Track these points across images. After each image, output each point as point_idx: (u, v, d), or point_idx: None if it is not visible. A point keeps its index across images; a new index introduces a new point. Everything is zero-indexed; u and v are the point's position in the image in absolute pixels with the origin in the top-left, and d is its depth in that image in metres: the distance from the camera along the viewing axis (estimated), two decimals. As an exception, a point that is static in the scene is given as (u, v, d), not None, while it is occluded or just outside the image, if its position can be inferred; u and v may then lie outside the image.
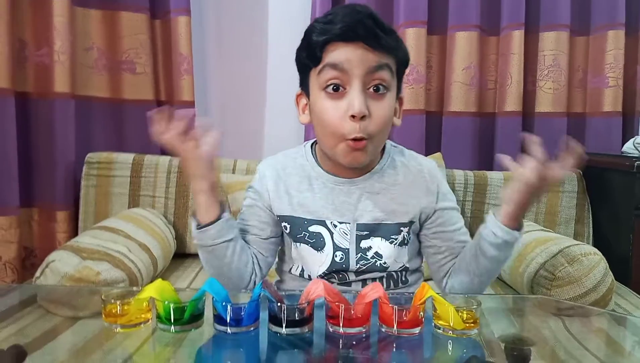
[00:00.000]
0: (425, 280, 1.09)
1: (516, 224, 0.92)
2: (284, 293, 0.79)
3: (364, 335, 0.71)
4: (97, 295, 0.93)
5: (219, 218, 0.94)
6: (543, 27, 1.92)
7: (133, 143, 1.85)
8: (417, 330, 0.71)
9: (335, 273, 1.00)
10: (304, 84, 0.97)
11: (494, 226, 0.92)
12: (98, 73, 1.81)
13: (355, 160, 0.92)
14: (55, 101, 1.68)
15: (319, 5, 1.84)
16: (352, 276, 1.00)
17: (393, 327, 0.70)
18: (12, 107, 1.60)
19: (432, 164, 1.05)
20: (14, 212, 1.63)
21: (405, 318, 0.70)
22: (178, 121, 0.88)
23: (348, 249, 0.98)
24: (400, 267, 1.01)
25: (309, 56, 0.91)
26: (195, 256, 1.67)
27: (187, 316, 0.70)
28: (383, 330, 0.71)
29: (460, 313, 0.71)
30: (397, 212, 0.99)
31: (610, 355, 0.78)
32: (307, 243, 1.00)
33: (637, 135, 1.78)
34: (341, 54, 0.87)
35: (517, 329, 0.84)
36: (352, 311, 0.71)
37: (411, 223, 1.00)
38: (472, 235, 1.68)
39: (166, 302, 0.70)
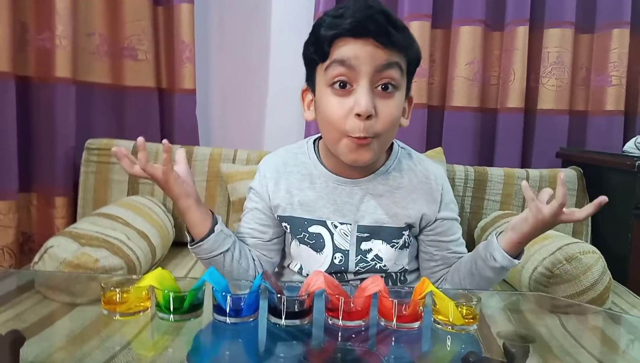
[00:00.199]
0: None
1: (517, 251, 0.92)
2: (284, 284, 0.79)
3: (363, 328, 0.71)
4: (96, 281, 0.93)
5: (211, 231, 0.94)
6: (548, 23, 1.91)
7: (133, 130, 1.85)
8: (416, 325, 0.71)
9: (334, 273, 0.99)
10: (310, 80, 0.94)
11: (495, 250, 0.92)
12: (99, 59, 1.80)
13: (359, 158, 0.89)
14: (56, 85, 1.67)
15: (324, -6, 1.83)
16: (350, 276, 1.00)
17: (392, 321, 0.70)
18: (13, 91, 1.59)
19: (439, 170, 1.03)
20: (12, 197, 1.63)
21: (404, 312, 0.70)
22: (140, 152, 0.87)
23: (348, 251, 0.98)
24: (400, 269, 1.01)
25: (316, 50, 0.88)
26: (193, 245, 1.67)
27: (186, 306, 0.70)
28: (382, 323, 0.71)
29: (459, 309, 0.71)
30: (400, 216, 0.98)
31: (606, 352, 0.78)
32: (306, 244, 0.99)
33: (639, 134, 1.78)
34: (350, 50, 0.84)
35: (514, 326, 0.84)
36: (352, 305, 0.71)
37: (411, 227, 0.99)
38: (471, 232, 1.71)
39: (166, 291, 0.70)
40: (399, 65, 0.87)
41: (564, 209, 0.84)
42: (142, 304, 0.72)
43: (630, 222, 1.56)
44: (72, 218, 1.73)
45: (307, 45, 0.92)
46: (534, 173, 1.78)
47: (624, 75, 1.90)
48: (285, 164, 1.02)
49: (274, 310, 0.70)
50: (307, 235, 0.98)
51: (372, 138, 0.87)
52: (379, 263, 0.98)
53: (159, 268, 0.74)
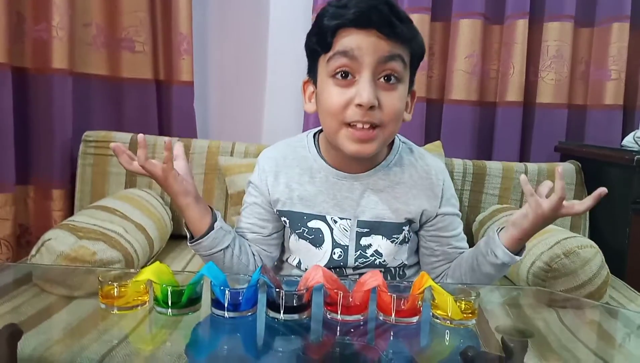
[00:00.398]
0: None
1: (518, 247, 0.92)
2: (282, 278, 0.79)
3: (361, 323, 0.71)
4: (93, 275, 0.93)
5: (211, 228, 0.93)
6: (548, 17, 1.90)
7: (131, 122, 1.84)
8: (414, 319, 0.71)
9: (333, 268, 0.98)
10: (312, 71, 0.93)
11: (496, 247, 0.91)
12: (97, 50, 1.78)
13: (362, 149, 0.88)
14: (53, 77, 1.65)
15: (323, -14, 1.82)
16: (349, 271, 0.99)
17: (391, 316, 0.70)
18: (9, 82, 1.58)
19: (440, 166, 1.02)
20: (9, 189, 1.62)
21: (403, 307, 0.70)
22: (140, 150, 0.86)
23: (347, 246, 0.97)
24: (399, 264, 1.01)
25: (319, 41, 0.87)
26: (191, 238, 1.67)
27: (184, 300, 0.70)
28: (381, 318, 0.71)
29: (458, 304, 0.71)
30: (400, 211, 0.97)
31: (602, 346, 0.79)
32: (305, 239, 0.98)
33: (638, 129, 1.78)
34: (352, 40, 0.84)
35: (512, 320, 0.84)
36: (351, 299, 0.70)
37: (411, 222, 0.99)
38: (469, 226, 1.71)
39: (164, 285, 0.69)
40: (402, 58, 0.86)
41: (564, 202, 0.84)
42: (140, 298, 0.72)
43: (628, 216, 1.56)
44: (70, 211, 1.72)
45: (310, 35, 0.91)
46: (532, 166, 1.78)
47: (623, 69, 1.90)
48: (285, 158, 1.01)
49: (273, 305, 0.70)
50: (307, 230, 0.98)
51: (376, 128, 0.86)
52: (378, 258, 0.98)
53: (157, 262, 0.74)
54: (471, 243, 1.08)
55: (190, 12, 1.81)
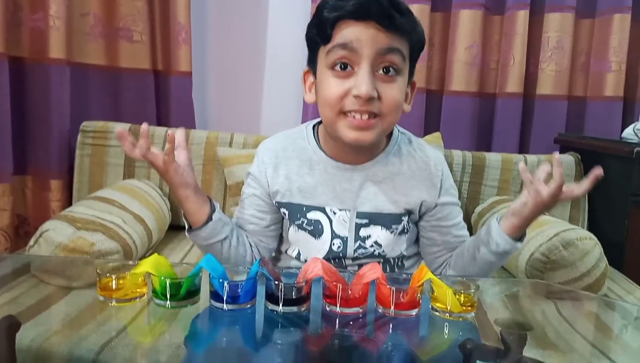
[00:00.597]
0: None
1: (519, 234, 0.92)
2: (282, 271, 0.78)
3: (360, 315, 0.71)
4: (92, 265, 0.93)
5: (209, 219, 0.94)
6: (548, 7, 1.89)
7: (129, 112, 1.83)
8: (414, 312, 0.71)
9: (332, 259, 0.99)
10: (312, 62, 0.93)
11: (497, 235, 0.92)
12: (94, 40, 1.77)
13: (361, 138, 0.88)
14: (50, 67, 1.64)
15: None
16: (348, 262, 1.00)
17: (390, 308, 0.70)
18: (6, 72, 1.57)
19: (439, 156, 1.02)
20: (7, 179, 1.62)
21: (402, 299, 0.70)
22: (142, 139, 0.86)
23: (346, 237, 0.97)
24: (398, 255, 1.01)
25: (319, 32, 0.88)
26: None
27: (183, 292, 0.70)
28: (380, 310, 0.71)
29: (457, 297, 0.71)
30: (399, 202, 0.97)
31: (600, 338, 0.79)
32: (304, 230, 0.99)
33: (638, 121, 1.77)
34: (352, 32, 0.84)
35: (512, 313, 0.84)
36: (350, 292, 0.70)
37: (410, 213, 0.99)
38: (468, 218, 1.71)
39: (162, 277, 0.69)
40: (401, 51, 0.86)
41: (563, 188, 0.84)
42: (138, 290, 0.72)
43: (627, 209, 1.56)
44: (68, 201, 1.72)
45: (310, 27, 0.91)
46: (531, 158, 1.78)
47: (623, 61, 1.89)
48: (285, 149, 1.01)
49: (272, 297, 0.70)
50: (306, 221, 0.98)
51: (375, 118, 0.87)
52: (377, 249, 0.98)
53: (155, 254, 0.73)
54: (470, 235, 1.08)
55: (188, 1, 1.79)
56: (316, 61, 0.91)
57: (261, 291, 0.72)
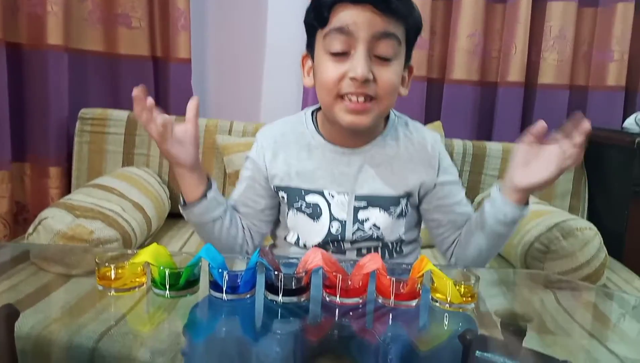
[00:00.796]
0: (422, 247, 1.09)
1: (525, 200, 0.92)
2: (281, 261, 0.78)
3: (360, 306, 0.71)
4: (91, 253, 0.93)
5: (204, 196, 0.94)
6: (551, -4, 1.88)
7: (128, 99, 1.80)
8: (413, 303, 0.70)
9: (331, 242, 0.99)
10: (310, 46, 0.94)
11: (503, 205, 0.92)
12: (92, 26, 1.76)
13: (357, 121, 0.88)
14: (48, 53, 1.63)
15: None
16: (347, 245, 1.00)
17: (390, 299, 0.70)
18: (4, 58, 1.56)
19: (435, 137, 1.03)
20: (5, 167, 1.61)
21: (402, 290, 0.69)
22: (158, 116, 0.88)
23: (345, 220, 0.97)
24: (396, 238, 1.01)
25: (316, 16, 0.88)
26: (189, 217, 1.67)
27: (182, 282, 0.69)
28: (380, 301, 0.71)
29: (458, 287, 0.71)
30: (397, 184, 0.97)
31: (599, 328, 0.79)
32: (303, 212, 0.99)
33: (639, 111, 1.76)
34: (348, 15, 0.85)
35: (512, 304, 0.84)
36: (349, 282, 0.70)
37: (409, 195, 0.99)
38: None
39: (161, 267, 0.69)
40: (396, 36, 0.87)
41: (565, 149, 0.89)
42: (137, 280, 0.72)
43: (627, 199, 1.56)
44: (67, 189, 1.72)
45: (308, 11, 0.92)
46: (532, 148, 1.77)
47: (626, 50, 1.88)
48: (283, 134, 1.02)
49: (271, 287, 0.70)
50: (304, 204, 0.99)
51: (371, 101, 0.87)
52: (376, 231, 0.98)
53: (155, 244, 0.73)
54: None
55: (187, -13, 1.77)
56: (314, 45, 0.92)
57: (261, 281, 0.71)
